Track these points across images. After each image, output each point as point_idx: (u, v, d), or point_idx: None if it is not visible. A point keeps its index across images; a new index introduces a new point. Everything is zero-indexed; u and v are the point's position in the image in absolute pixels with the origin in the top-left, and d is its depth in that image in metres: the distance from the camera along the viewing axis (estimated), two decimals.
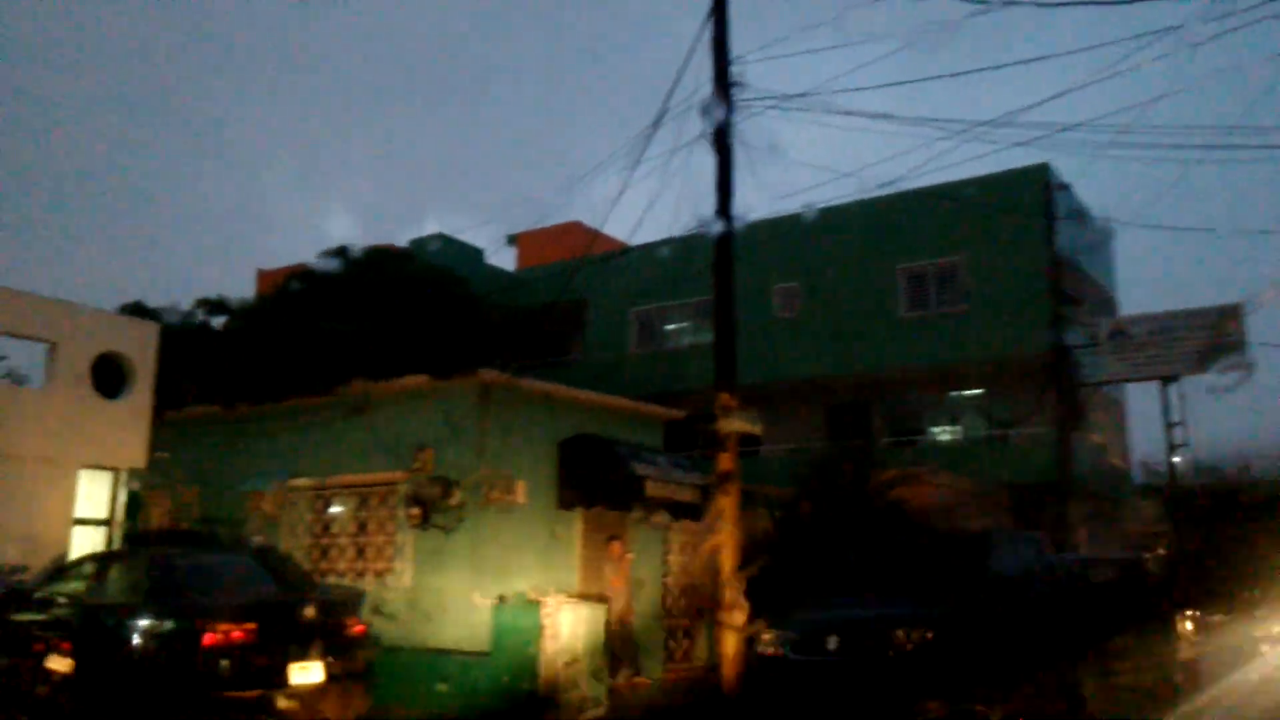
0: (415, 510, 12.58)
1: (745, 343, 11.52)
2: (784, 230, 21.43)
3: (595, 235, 18.05)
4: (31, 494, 12.20)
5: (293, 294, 25.30)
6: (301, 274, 26.23)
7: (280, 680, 8.88)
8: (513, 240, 33.73)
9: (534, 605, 11.33)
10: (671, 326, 29.05)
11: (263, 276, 35.36)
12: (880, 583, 9.10)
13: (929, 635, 7.15)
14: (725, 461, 10.48)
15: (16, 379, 17.18)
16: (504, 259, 34.70)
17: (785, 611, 9.28)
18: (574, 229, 29.99)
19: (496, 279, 31.06)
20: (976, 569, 6.84)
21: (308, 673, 9.06)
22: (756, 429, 10.73)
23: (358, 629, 9.77)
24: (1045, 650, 7.34)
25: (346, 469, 13.44)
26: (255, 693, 8.83)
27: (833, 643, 7.87)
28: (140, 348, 13.70)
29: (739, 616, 9.89)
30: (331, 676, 9.20)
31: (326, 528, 13.69)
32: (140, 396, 13.61)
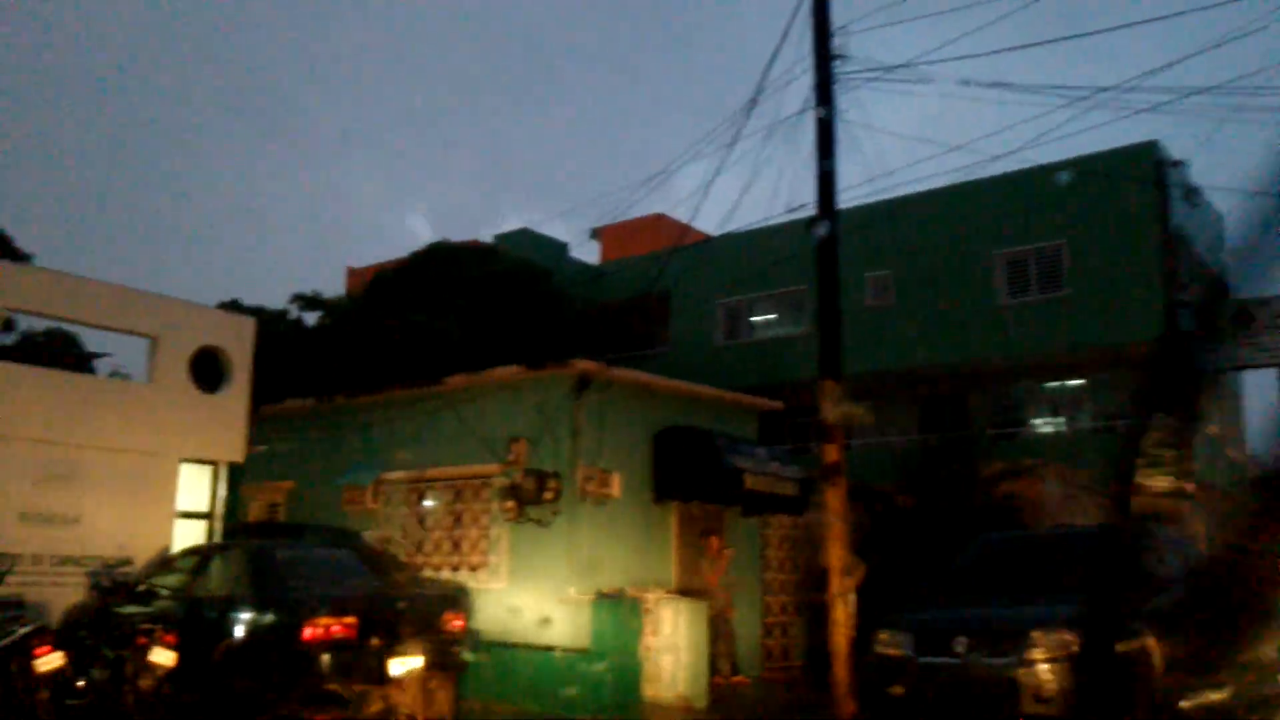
0: (510, 504, 12.39)
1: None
2: (876, 216, 20.78)
3: (681, 227, 17.71)
4: (135, 487, 12.34)
5: (384, 290, 25.60)
6: (392, 270, 26.52)
7: (380, 674, 8.73)
8: (596, 234, 33.59)
9: (634, 601, 11.02)
10: (758, 318, 28.54)
11: (352, 274, 35.91)
12: (1006, 581, 8.53)
13: (1074, 638, 6.60)
14: (831, 453, 10.00)
15: (120, 375, 17.57)
16: (588, 253, 34.58)
17: (896, 609, 8.77)
18: (657, 222, 29.68)
19: (581, 273, 30.91)
20: (1126, 568, 6.25)
21: (407, 666, 8.91)
22: (866, 418, 10.23)
23: (457, 623, 9.59)
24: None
25: (441, 462, 13.33)
26: (355, 686, 8.70)
27: (960, 644, 7.36)
28: (238, 342, 13.78)
29: (847, 615, 9.45)
30: (430, 670, 9.04)
31: (422, 521, 13.61)
32: (238, 391, 13.69)
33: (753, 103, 11.37)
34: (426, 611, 9.44)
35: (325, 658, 8.52)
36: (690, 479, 12.79)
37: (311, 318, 27.77)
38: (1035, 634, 7.04)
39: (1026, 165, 17.82)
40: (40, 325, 21.76)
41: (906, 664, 7.65)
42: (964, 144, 11.82)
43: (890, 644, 7.85)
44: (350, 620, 8.72)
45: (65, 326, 18.44)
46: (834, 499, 9.98)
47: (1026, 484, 15.09)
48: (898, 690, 7.69)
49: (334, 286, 34.29)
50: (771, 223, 13.29)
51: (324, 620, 8.60)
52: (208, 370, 13.63)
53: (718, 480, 12.69)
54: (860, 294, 23.98)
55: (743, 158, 14.10)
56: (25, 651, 7.89)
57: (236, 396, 13.69)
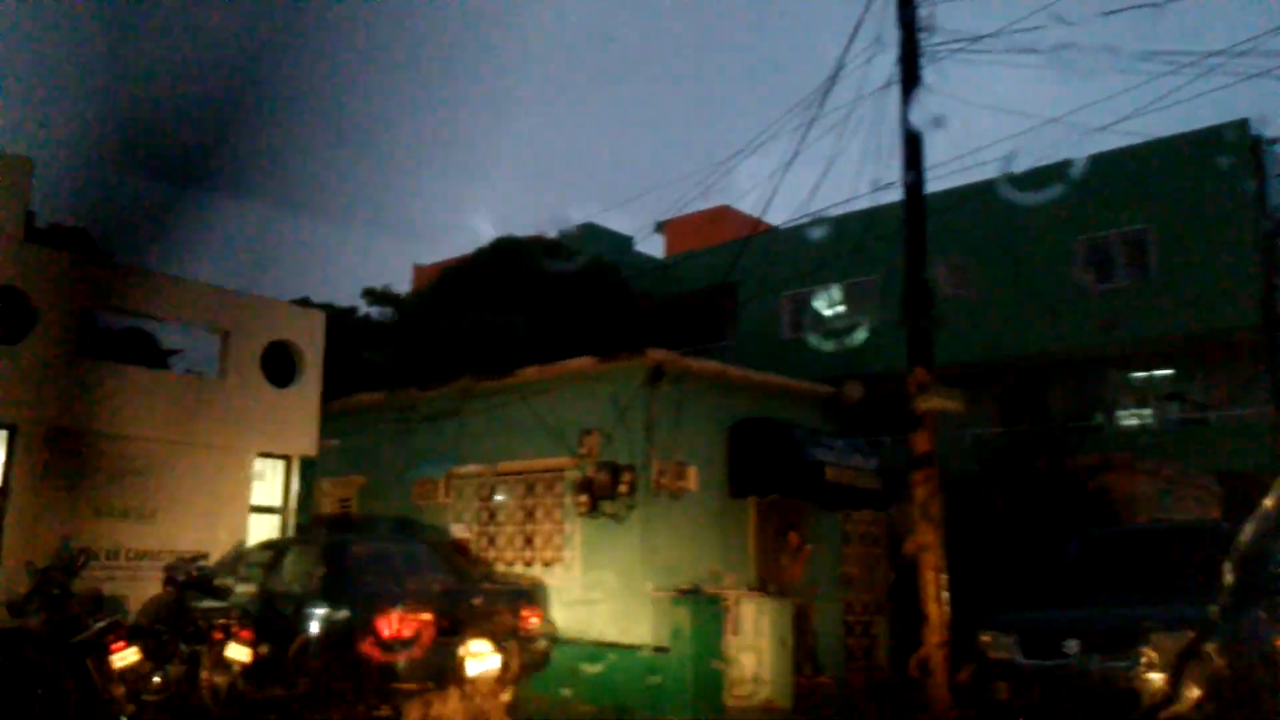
0: (583, 497, 12.11)
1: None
2: (952, 201, 20.11)
3: (746, 219, 17.28)
4: (211, 481, 12.33)
5: (451, 285, 25.57)
6: (458, 266, 26.51)
7: (455, 672, 8.50)
8: (660, 227, 33.26)
9: (713, 599, 10.66)
10: (826, 311, 27.93)
11: (419, 272, 36.06)
12: (1114, 579, 8.00)
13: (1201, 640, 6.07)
14: (922, 442, 9.54)
15: (194, 372, 17.69)
16: (652, 247, 34.27)
17: (997, 609, 8.29)
18: (722, 214, 29.23)
19: (646, 267, 30.63)
20: (1256, 567, 5.74)
21: (484, 665, 8.67)
22: (958, 405, 9.73)
23: (534, 620, 9.33)
24: None
25: (513, 455, 13.10)
26: (430, 685, 8.48)
27: (1072, 646, 6.88)
28: (309, 337, 13.73)
29: (941, 614, 9.00)
30: (506, 669, 8.79)
31: (493, 515, 13.40)
32: (310, 385, 13.63)
33: (831, 80, 10.93)
34: (503, 608, 9.20)
35: (401, 655, 8.32)
36: (768, 472, 12.38)
37: (380, 313, 27.93)
38: (1156, 636, 6.53)
39: (1109, 149, 17.08)
40: (117, 324, 22.13)
41: (1012, 666, 7.19)
42: (1056, 118, 11.18)
43: (994, 646, 7.39)
44: (426, 617, 8.51)
45: (141, 324, 18.70)
46: (923, 491, 9.53)
47: (1118, 477, 14.38)
48: (1002, 693, 7.22)
49: (401, 285, 34.51)
50: (844, 210, 12.85)
51: (399, 616, 8.40)
52: (280, 365, 13.60)
53: (797, 473, 12.26)
54: (939, 283, 23.31)
55: (817, 142, 13.60)
56: (102, 647, 7.81)
57: (308, 390, 13.63)
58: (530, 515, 12.94)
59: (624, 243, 31.84)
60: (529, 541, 12.84)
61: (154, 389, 12.12)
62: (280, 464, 13.35)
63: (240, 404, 12.80)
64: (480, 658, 8.62)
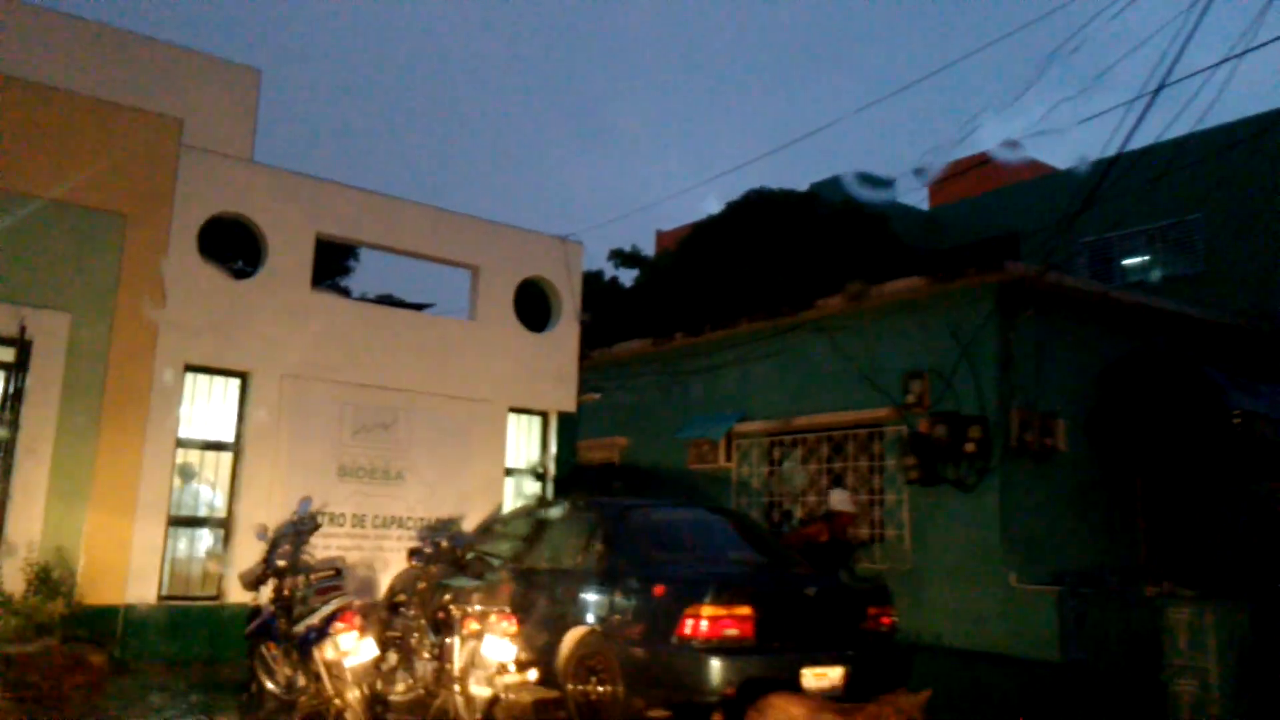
0: (912, 459, 9.39)
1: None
2: None
3: (1021, 165, 14.22)
4: (462, 439, 10.59)
5: (701, 242, 23.41)
6: (708, 223, 24.34)
7: (788, 688, 6.05)
8: (922, 174, 29.62)
9: (1129, 596, 7.66)
10: (1132, 260, 23.56)
11: (661, 237, 34.42)
12: None
13: None
14: None
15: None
16: (916, 198, 30.81)
17: None
18: (993, 158, 25.50)
19: (909, 218, 27.34)
20: None
21: (824, 679, 6.18)
22: None
23: (885, 620, 6.73)
24: None
25: (812, 408, 10.56)
26: (752, 702, 6.08)
27: None
28: (566, 273, 11.75)
29: None
30: (854, 686, 6.25)
31: (789, 483, 10.90)
32: (567, 329, 11.68)
33: None
34: (843, 601, 6.68)
35: (713, 662, 5.96)
36: (1166, 426, 9.16)
37: (628, 277, 26.27)
38: None
39: None
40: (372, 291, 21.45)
41: None
42: None
43: None
44: (744, 610, 6.11)
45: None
46: None
47: None
48: None
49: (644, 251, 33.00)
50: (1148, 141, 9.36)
51: (710, 607, 6.05)
52: (533, 307, 11.74)
53: (1210, 427, 8.97)
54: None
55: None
56: (329, 634, 5.94)
57: (565, 336, 11.68)
58: (838, 483, 10.32)
59: (885, 194, 28.58)
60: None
61: (398, 331, 10.46)
62: (537, 420, 11.48)
63: (492, 352, 10.99)
64: (821, 672, 6.14)
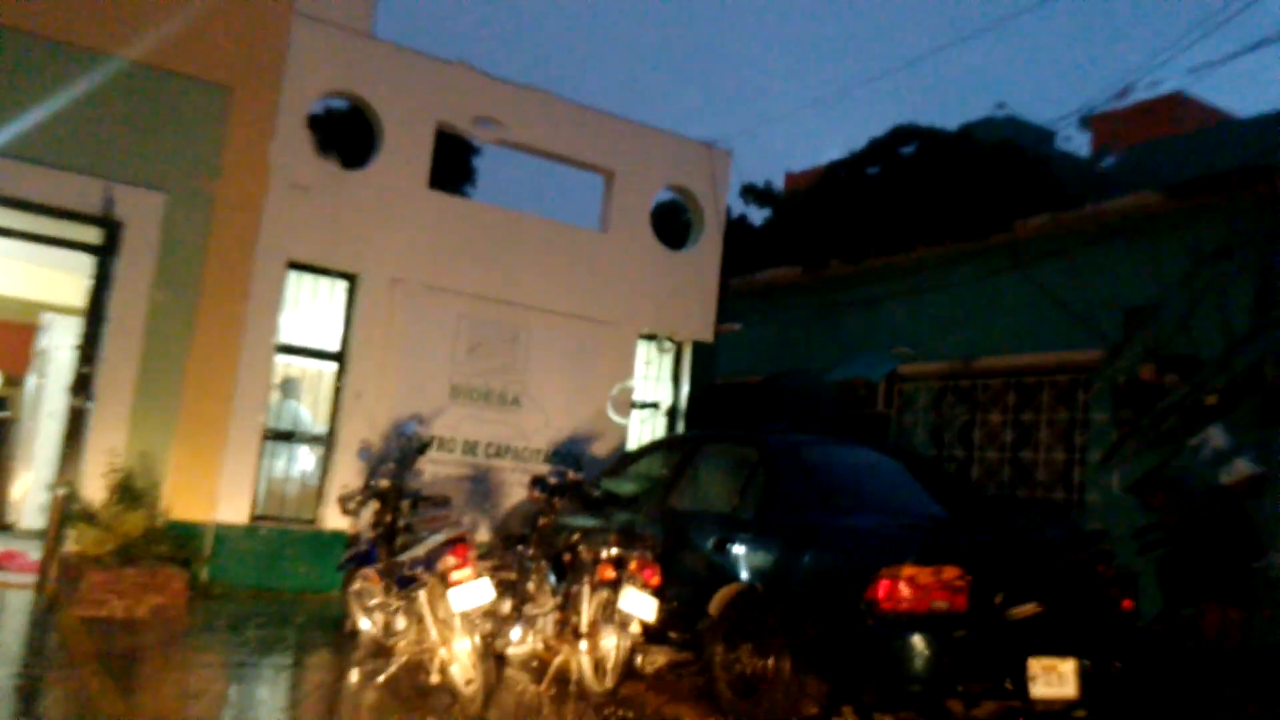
0: (1126, 413, 7.78)
1: None
2: None
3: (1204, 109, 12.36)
4: (586, 365, 9.42)
5: (840, 179, 21.72)
6: (850, 159, 22.65)
7: (1011, 684, 4.66)
8: (1087, 122, 27.13)
9: None
10: None
11: (790, 179, 32.74)
12: None
13: None
14: None
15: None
16: (1077, 145, 28.25)
17: None
18: (1167, 103, 22.89)
19: (1071, 166, 24.94)
20: None
21: (1056, 680, 4.75)
22: None
23: (1126, 603, 5.25)
24: None
25: (997, 348, 8.99)
26: (974, 690, 4.71)
27: None
28: (710, 186, 10.40)
29: None
30: (1092, 691, 4.81)
31: (964, 433, 9.39)
32: (709, 249, 10.36)
33: None
34: (1083, 571, 5.21)
35: (914, 640, 4.60)
36: None
37: (758, 217, 24.76)
38: None
39: None
40: None
41: None
42: None
43: None
44: (953, 574, 4.71)
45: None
46: None
47: None
48: None
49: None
50: None
51: (910, 571, 4.68)
52: (672, 222, 10.45)
53: None
54: None
55: None
56: (437, 570, 4.81)
57: (707, 257, 10.36)
58: (1025, 437, 8.78)
59: (1043, 137, 26.25)
60: (1026, 474, 8.70)
61: (522, 238, 9.29)
62: (669, 349, 10.22)
63: (624, 268, 9.76)
64: (1053, 663, 4.73)
